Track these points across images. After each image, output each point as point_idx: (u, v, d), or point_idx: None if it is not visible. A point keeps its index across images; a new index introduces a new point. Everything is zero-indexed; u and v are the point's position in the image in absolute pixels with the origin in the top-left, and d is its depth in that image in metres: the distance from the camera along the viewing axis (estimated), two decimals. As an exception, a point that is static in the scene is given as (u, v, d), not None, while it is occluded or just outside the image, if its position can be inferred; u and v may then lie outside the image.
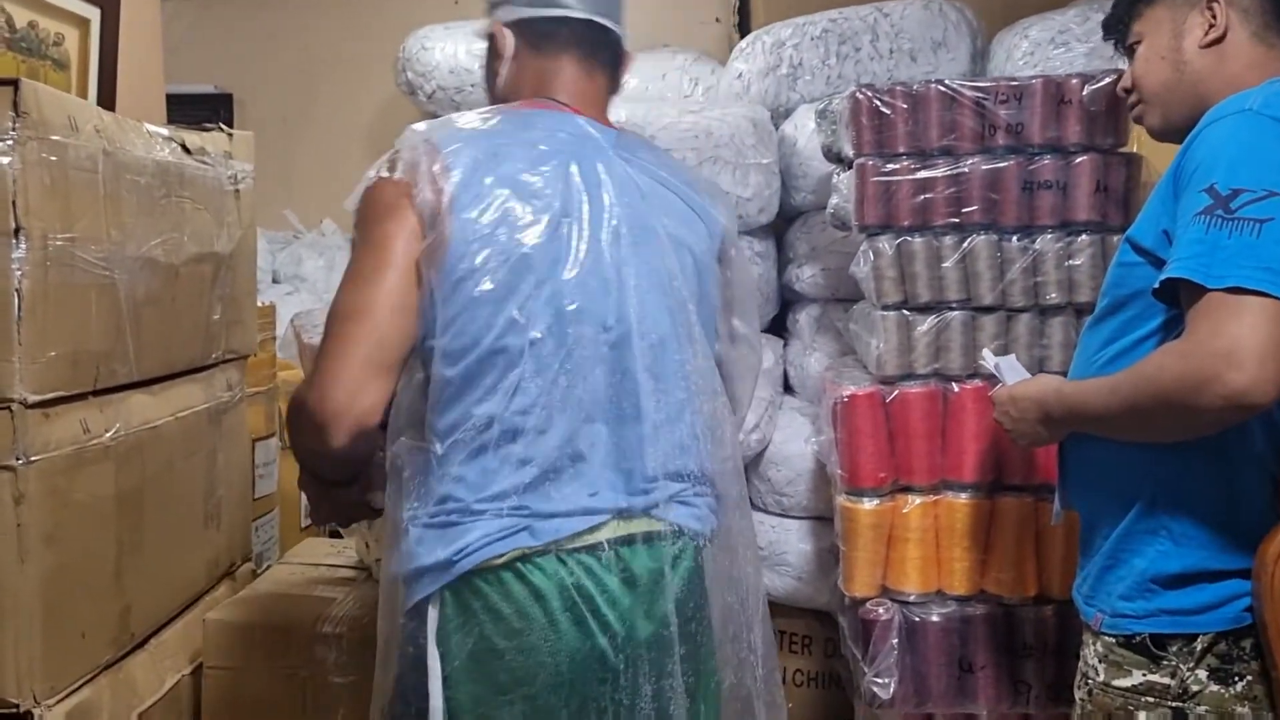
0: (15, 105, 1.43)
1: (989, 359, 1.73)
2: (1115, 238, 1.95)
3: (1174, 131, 1.50)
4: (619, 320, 1.32)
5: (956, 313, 2.01)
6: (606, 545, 1.30)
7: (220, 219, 1.97)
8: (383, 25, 3.65)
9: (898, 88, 2.01)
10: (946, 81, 2.00)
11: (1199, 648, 1.34)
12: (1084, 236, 1.97)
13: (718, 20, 3.63)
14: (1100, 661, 1.41)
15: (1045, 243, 1.98)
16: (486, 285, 1.27)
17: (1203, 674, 1.33)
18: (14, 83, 1.43)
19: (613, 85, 1.50)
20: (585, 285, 1.31)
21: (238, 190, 2.03)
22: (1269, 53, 1.45)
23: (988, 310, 2.02)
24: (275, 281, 3.62)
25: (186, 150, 1.85)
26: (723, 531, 1.42)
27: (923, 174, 1.99)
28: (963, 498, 2.02)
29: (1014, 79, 2.00)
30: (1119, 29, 1.61)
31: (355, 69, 3.88)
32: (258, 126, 3.74)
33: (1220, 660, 1.33)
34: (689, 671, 1.35)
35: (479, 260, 1.27)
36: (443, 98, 3.16)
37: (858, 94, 2.02)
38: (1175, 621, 1.36)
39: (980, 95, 1.98)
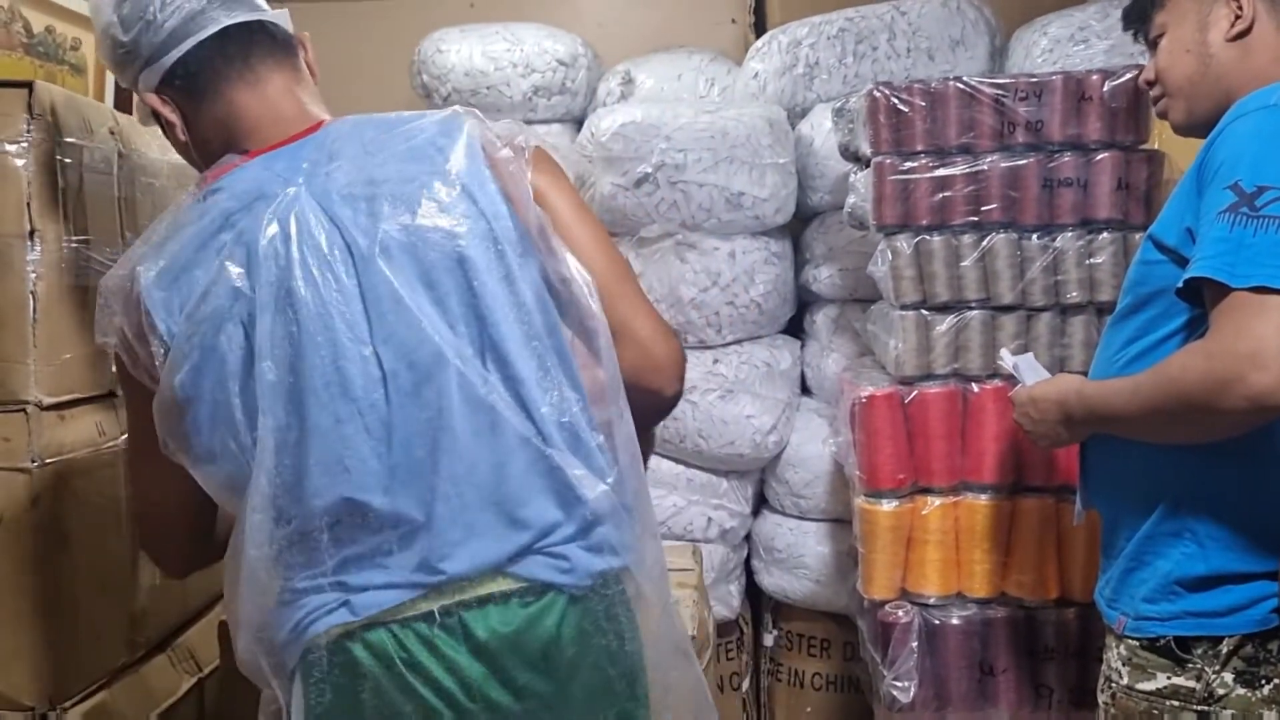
0: (29, 108, 1.43)
1: (1007, 359, 1.70)
2: (1137, 236, 1.93)
3: (1198, 126, 1.46)
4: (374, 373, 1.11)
5: (976, 312, 1.99)
6: (438, 613, 1.11)
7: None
8: (398, 30, 3.65)
9: (915, 85, 2.00)
10: (965, 79, 1.98)
11: (1225, 650, 1.32)
12: (1105, 234, 1.95)
13: (734, 21, 3.60)
14: (1124, 665, 1.38)
15: (1066, 241, 1.96)
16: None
17: (1229, 677, 1.31)
18: (28, 85, 1.43)
19: (291, 73, 1.28)
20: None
21: (253, 193, 2.03)
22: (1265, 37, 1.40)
23: (1008, 309, 2.00)
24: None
25: (201, 152, 1.85)
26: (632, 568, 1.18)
27: (941, 172, 1.97)
28: (983, 499, 2.00)
29: (1033, 76, 1.99)
30: (1140, 20, 1.56)
31: (372, 73, 3.88)
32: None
33: (1246, 663, 1.31)
34: None
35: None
36: (458, 100, 3.16)
37: (875, 92, 2.01)
38: (1200, 624, 1.33)
39: (999, 92, 1.97)
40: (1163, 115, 1.55)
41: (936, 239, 1.98)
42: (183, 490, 1.17)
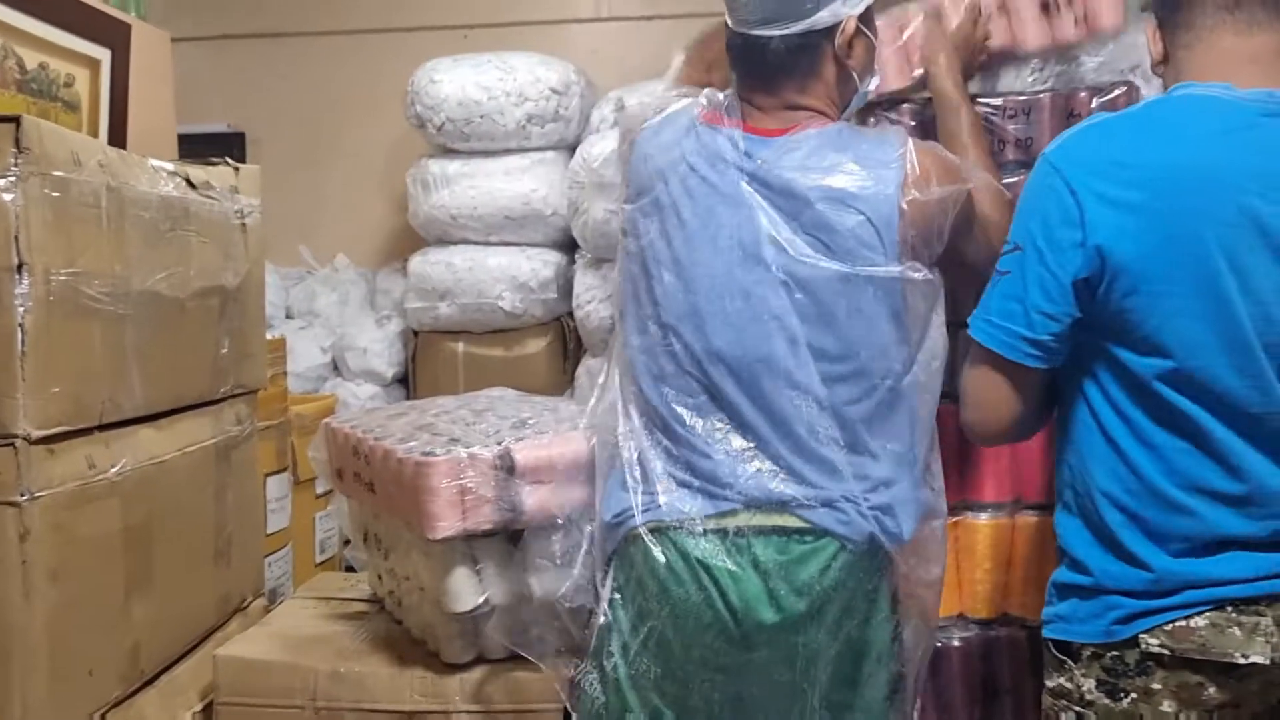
0: (17, 141, 1.43)
1: None
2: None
3: None
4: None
5: (972, 329, 1.99)
6: (732, 531, 1.45)
7: (227, 253, 1.97)
8: (394, 61, 3.67)
9: (905, 105, 1.99)
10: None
11: (1085, 656, 1.35)
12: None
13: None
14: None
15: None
16: None
17: (1092, 684, 1.33)
18: (15, 119, 1.44)
19: (800, 81, 1.53)
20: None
21: (244, 224, 2.04)
22: (1188, 53, 1.40)
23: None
24: (289, 317, 3.63)
25: (191, 185, 1.86)
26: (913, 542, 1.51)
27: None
28: (983, 518, 1.99)
29: (1022, 94, 1.97)
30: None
31: (368, 105, 3.90)
32: (272, 164, 3.74)
33: (1106, 673, 1.33)
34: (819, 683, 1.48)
35: None
36: (452, 130, 3.18)
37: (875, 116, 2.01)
38: (1062, 629, 1.39)
39: (989, 111, 1.96)
40: None
41: (929, 257, 1.98)
42: None
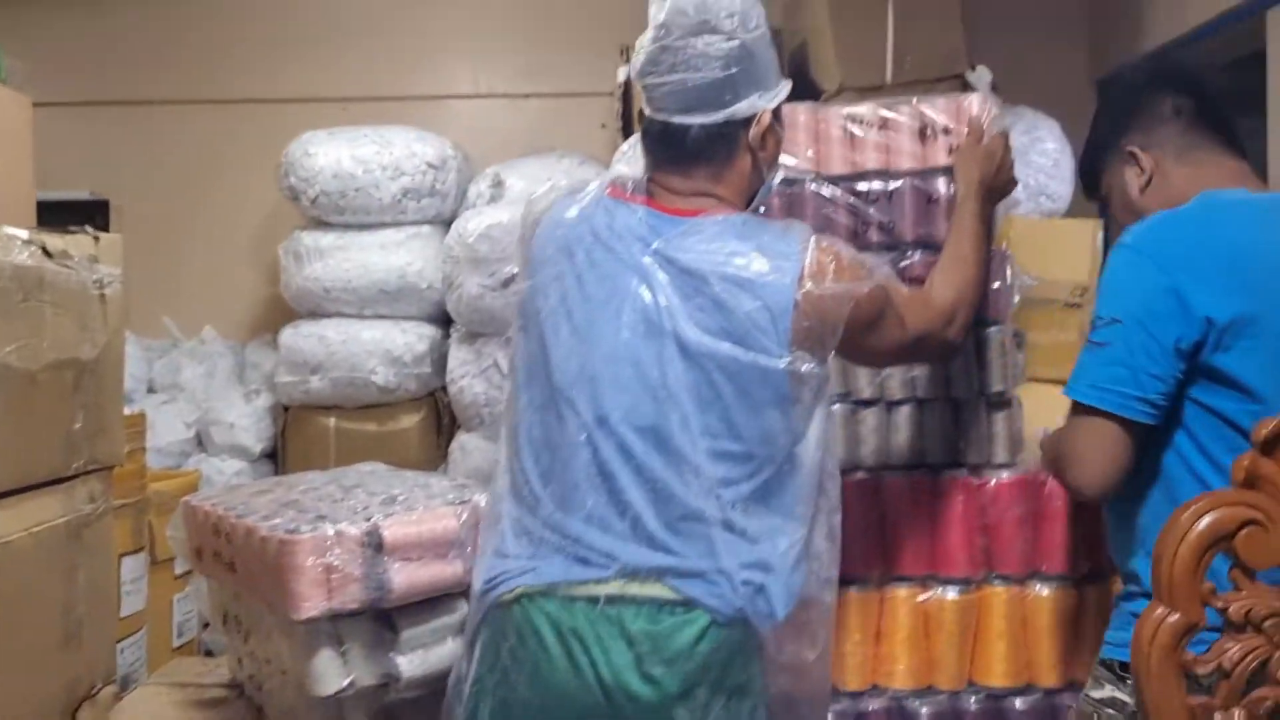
0: None
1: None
2: (986, 330, 2.01)
3: None
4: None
5: (837, 406, 2.04)
6: (604, 599, 1.44)
7: (84, 324, 1.90)
8: (269, 131, 3.64)
9: (775, 188, 2.05)
10: (821, 182, 2.05)
11: None
12: (956, 330, 2.02)
13: (603, 125, 3.70)
14: (1090, 680, 1.61)
15: (919, 336, 2.02)
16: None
17: None
18: None
19: (713, 167, 1.57)
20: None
21: (104, 294, 1.97)
22: (1195, 170, 1.67)
23: (867, 404, 2.04)
24: (151, 390, 3.51)
25: (48, 254, 1.79)
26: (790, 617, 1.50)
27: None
28: (852, 591, 2.02)
29: (886, 179, 2.05)
30: (1095, 196, 1.86)
31: (240, 175, 3.85)
32: (138, 233, 3.65)
33: None
34: None
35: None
36: (327, 202, 3.16)
37: (734, 194, 2.06)
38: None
39: (853, 195, 2.04)
40: None
41: (797, 335, 2.03)
42: None
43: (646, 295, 1.49)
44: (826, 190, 2.04)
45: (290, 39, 3.87)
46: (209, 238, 3.88)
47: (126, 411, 2.18)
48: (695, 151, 1.55)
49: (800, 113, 2.07)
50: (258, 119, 3.85)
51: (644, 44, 1.54)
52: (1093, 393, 1.53)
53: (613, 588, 1.45)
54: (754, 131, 1.56)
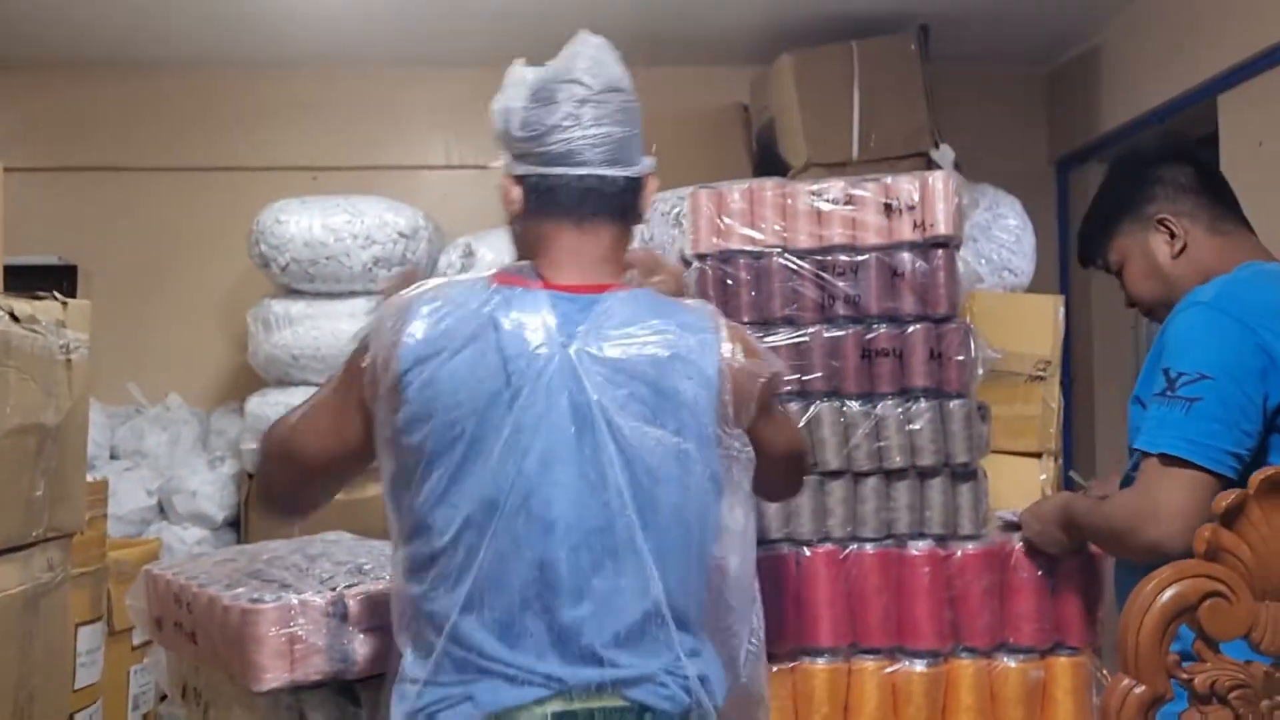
0: None
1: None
2: (951, 403, 2.03)
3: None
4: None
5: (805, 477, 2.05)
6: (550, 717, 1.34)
7: (49, 390, 1.89)
8: (240, 199, 3.66)
9: (742, 260, 2.09)
10: (788, 255, 2.08)
11: None
12: (922, 402, 2.04)
13: (574, 198, 3.74)
14: None
15: (886, 408, 2.04)
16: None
17: None
18: None
19: (621, 228, 1.51)
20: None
21: (70, 360, 1.96)
22: (1226, 240, 1.75)
23: (835, 475, 2.05)
24: (114, 457, 3.47)
25: (14, 318, 1.78)
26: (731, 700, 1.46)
27: (766, 342, 2.04)
28: (819, 663, 2.01)
29: (852, 252, 2.09)
30: (1098, 262, 1.92)
31: (210, 242, 3.86)
32: (105, 299, 3.64)
33: None
34: None
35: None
36: (297, 270, 3.16)
37: (704, 266, 2.09)
38: None
39: (819, 269, 2.07)
40: (1153, 319, 1.87)
41: (765, 406, 2.04)
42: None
43: (577, 393, 1.39)
44: (793, 263, 2.07)
45: (261, 108, 3.90)
46: (177, 304, 3.87)
47: (88, 478, 2.15)
48: (618, 207, 1.49)
49: (768, 188, 2.11)
50: (228, 187, 3.86)
51: (548, 99, 1.48)
52: (1187, 446, 1.53)
53: (557, 705, 1.36)
54: (644, 195, 1.53)
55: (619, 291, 1.47)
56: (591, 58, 1.50)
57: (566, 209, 1.48)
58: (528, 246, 1.52)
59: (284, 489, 1.61)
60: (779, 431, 1.59)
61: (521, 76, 1.53)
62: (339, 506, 3.17)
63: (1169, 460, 1.55)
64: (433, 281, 1.49)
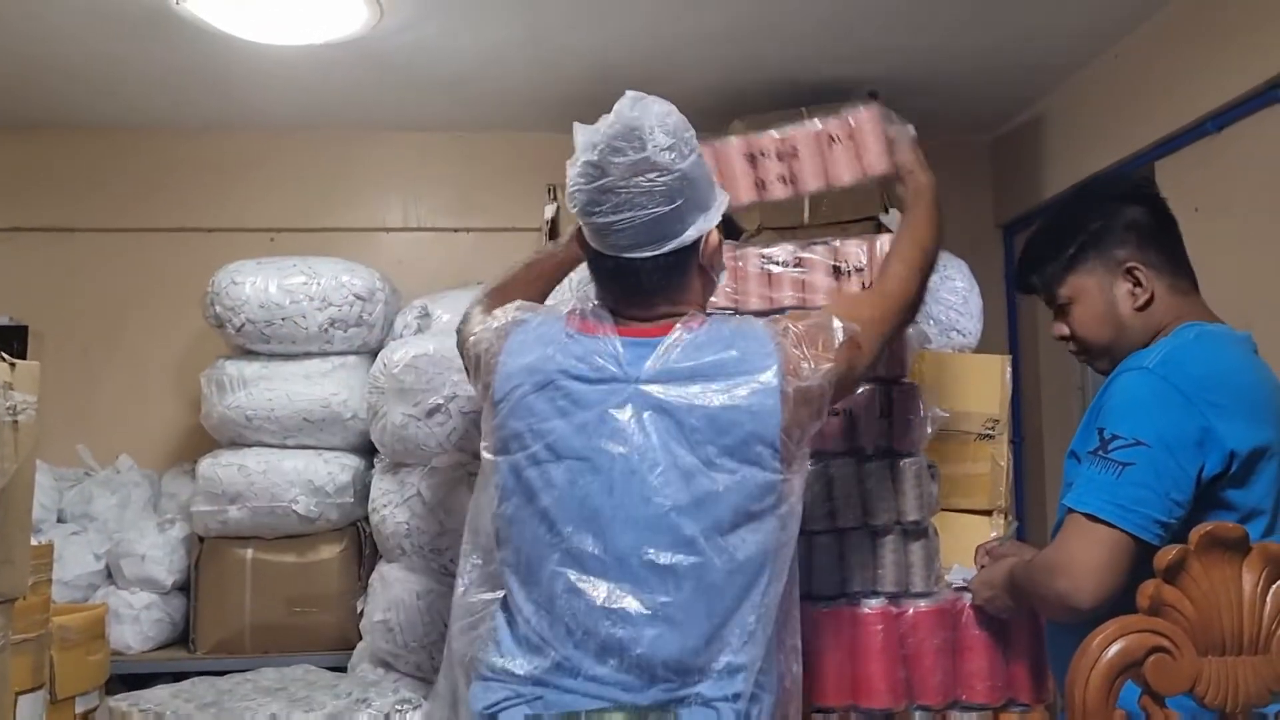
0: None
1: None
2: (901, 461, 2.05)
3: (1113, 365, 1.78)
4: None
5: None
6: None
7: (-5, 452, 1.86)
8: (195, 260, 3.64)
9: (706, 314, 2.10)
10: (744, 315, 2.10)
11: None
12: (872, 462, 2.06)
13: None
14: None
15: (837, 468, 2.06)
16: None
17: None
18: None
19: (678, 284, 1.60)
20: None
21: (16, 422, 1.93)
22: (1183, 300, 1.74)
23: (789, 533, 2.06)
24: (60, 521, 3.40)
25: (-38, 380, 1.76)
26: None
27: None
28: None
29: (802, 310, 2.11)
30: (1041, 291, 1.86)
31: (164, 303, 3.83)
32: (56, 360, 3.61)
33: None
34: None
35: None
36: (252, 331, 3.15)
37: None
38: None
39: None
40: (1088, 363, 1.86)
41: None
42: None
43: (640, 430, 1.51)
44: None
45: (217, 169, 3.90)
46: (129, 365, 3.83)
47: (34, 542, 2.11)
48: (650, 285, 1.58)
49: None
50: (184, 248, 3.85)
51: (577, 182, 1.55)
52: (1114, 510, 1.55)
53: (620, 717, 1.46)
54: (705, 252, 1.61)
55: (682, 330, 1.55)
56: (621, 130, 1.53)
57: (606, 285, 1.62)
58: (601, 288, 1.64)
59: None
60: (870, 344, 1.65)
61: (580, 140, 1.57)
62: (292, 568, 3.14)
63: (1088, 519, 1.57)
64: (528, 309, 1.66)
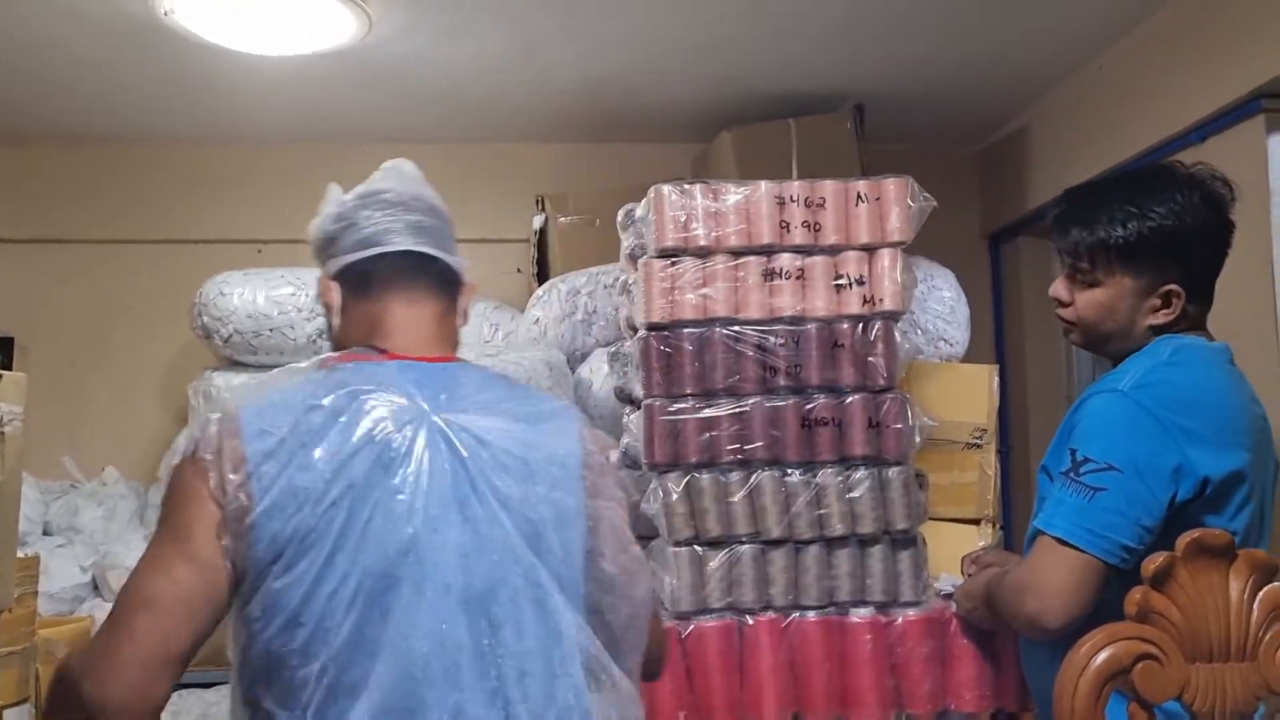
0: None
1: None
2: (889, 470, 2.06)
3: (1090, 349, 1.81)
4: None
5: (746, 547, 2.06)
6: None
7: (-19, 463, 1.85)
8: (183, 272, 3.63)
9: (684, 331, 2.11)
10: (730, 327, 2.11)
11: None
12: (861, 470, 2.07)
13: (519, 270, 3.77)
14: None
15: (826, 476, 2.07)
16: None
17: None
18: None
19: (445, 304, 1.49)
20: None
21: (2, 433, 1.93)
22: (1191, 318, 1.71)
23: (777, 543, 2.07)
24: (46, 533, 3.38)
25: (-52, 391, 1.76)
26: None
27: (708, 413, 2.07)
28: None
29: (793, 322, 2.13)
30: (1077, 255, 1.72)
31: (151, 315, 3.82)
32: (42, 371, 3.58)
33: None
34: None
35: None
36: (240, 342, 3.14)
37: (648, 337, 2.11)
38: None
39: (761, 339, 2.10)
40: (1066, 332, 1.82)
41: (705, 476, 2.06)
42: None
43: (450, 463, 1.33)
44: (736, 333, 2.10)
45: (205, 181, 3.89)
46: (116, 377, 3.81)
47: (20, 554, 2.10)
48: (440, 283, 1.49)
49: (718, 260, 2.13)
50: (171, 260, 3.83)
51: (359, 205, 1.50)
52: (1083, 535, 1.55)
53: None
54: (464, 293, 1.53)
55: (464, 363, 1.47)
56: (398, 178, 1.56)
57: (387, 282, 1.46)
58: (357, 333, 1.46)
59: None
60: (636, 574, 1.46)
61: (335, 195, 1.53)
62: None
63: (1058, 542, 1.57)
64: (254, 382, 1.46)
